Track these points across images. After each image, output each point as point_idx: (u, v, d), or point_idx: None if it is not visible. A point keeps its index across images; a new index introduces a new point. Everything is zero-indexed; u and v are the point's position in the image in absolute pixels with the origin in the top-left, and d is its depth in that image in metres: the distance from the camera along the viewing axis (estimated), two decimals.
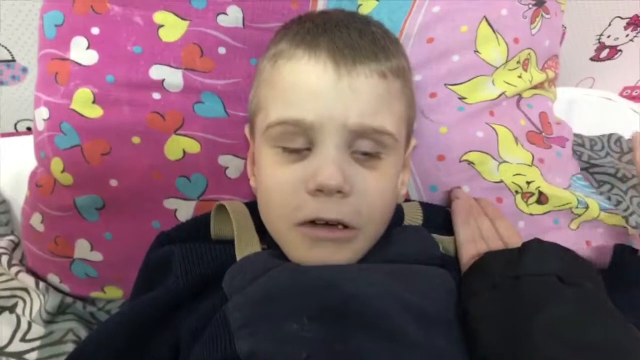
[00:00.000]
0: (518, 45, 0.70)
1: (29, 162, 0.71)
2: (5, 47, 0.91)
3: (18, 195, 0.76)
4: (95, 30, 0.63)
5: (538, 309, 0.44)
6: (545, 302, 0.45)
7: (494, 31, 0.69)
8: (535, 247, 0.50)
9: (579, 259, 0.48)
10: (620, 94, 1.28)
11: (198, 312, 0.53)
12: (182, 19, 0.63)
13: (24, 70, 0.94)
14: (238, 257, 0.54)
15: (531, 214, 0.68)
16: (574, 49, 1.14)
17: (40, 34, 0.66)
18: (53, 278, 0.68)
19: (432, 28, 0.68)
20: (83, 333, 0.66)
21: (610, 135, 0.91)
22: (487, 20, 0.68)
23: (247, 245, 0.55)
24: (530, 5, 0.71)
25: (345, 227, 0.51)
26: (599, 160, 0.85)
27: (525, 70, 0.72)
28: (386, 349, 0.46)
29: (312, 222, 0.50)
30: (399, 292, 0.49)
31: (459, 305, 0.52)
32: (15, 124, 1.01)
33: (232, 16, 0.63)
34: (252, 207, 0.58)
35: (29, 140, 0.71)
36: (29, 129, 1.02)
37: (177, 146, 0.63)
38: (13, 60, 0.93)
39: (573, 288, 0.45)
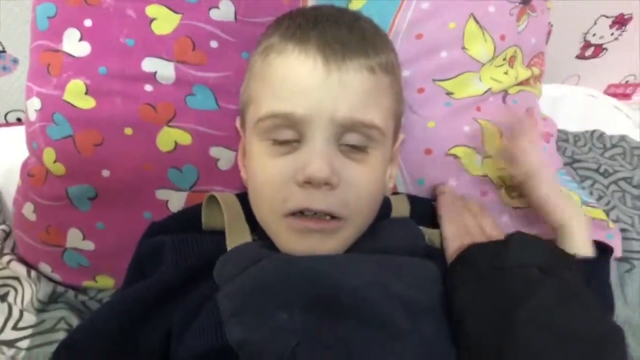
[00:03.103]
0: (504, 42, 0.72)
1: (20, 153, 0.71)
2: None
3: (9, 185, 0.77)
4: (87, 22, 0.63)
5: (521, 299, 0.46)
6: (527, 293, 0.46)
7: (481, 28, 0.70)
8: (518, 240, 0.51)
9: (559, 250, 0.50)
10: (605, 92, 1.31)
11: (189, 301, 0.54)
12: (175, 12, 0.63)
13: (15, 61, 0.94)
14: (229, 248, 0.55)
15: (515, 208, 0.70)
16: (560, 46, 1.16)
17: (32, 25, 0.66)
18: (45, 267, 0.69)
19: (421, 24, 0.69)
20: (74, 321, 0.66)
21: (593, 132, 0.94)
22: (474, 17, 0.70)
23: (237, 236, 0.56)
24: (517, 3, 0.73)
25: (333, 217, 0.52)
26: (582, 156, 0.87)
27: (512, 66, 0.74)
28: (374, 337, 0.47)
29: (301, 213, 0.51)
30: (386, 282, 0.50)
31: (445, 296, 0.53)
32: (6, 115, 1.01)
33: (224, 10, 0.64)
34: (243, 198, 0.59)
35: (19, 131, 0.72)
36: (19, 119, 1.02)
37: (169, 138, 0.64)
38: (4, 52, 0.93)
39: (553, 278, 0.47)
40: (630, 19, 1.16)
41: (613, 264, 0.72)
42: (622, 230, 0.75)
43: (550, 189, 0.61)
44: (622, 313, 0.66)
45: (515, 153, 0.62)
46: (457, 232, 0.60)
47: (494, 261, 0.50)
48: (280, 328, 0.47)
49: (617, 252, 0.73)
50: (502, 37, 0.72)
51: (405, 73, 0.67)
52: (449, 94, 0.69)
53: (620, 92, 1.34)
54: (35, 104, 0.65)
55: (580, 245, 0.56)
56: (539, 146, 0.69)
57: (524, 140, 0.62)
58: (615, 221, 0.77)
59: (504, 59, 0.72)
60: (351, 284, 0.49)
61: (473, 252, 0.54)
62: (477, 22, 0.70)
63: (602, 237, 0.71)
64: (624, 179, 0.84)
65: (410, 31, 0.69)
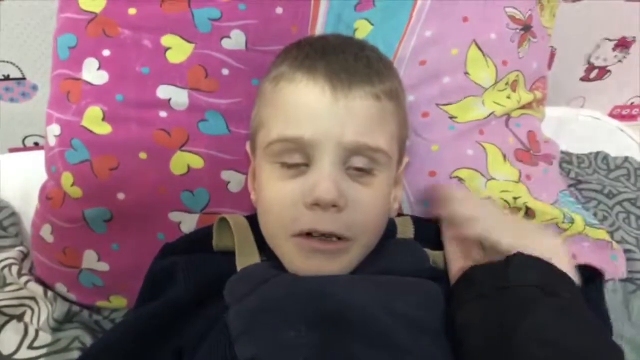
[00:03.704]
0: (506, 67, 0.74)
1: (37, 176, 0.73)
2: (16, 66, 0.94)
3: (26, 208, 0.79)
4: (106, 52, 0.66)
5: (521, 316, 0.47)
6: (527, 311, 0.47)
7: (483, 54, 0.72)
8: (518, 260, 0.52)
9: (558, 271, 0.51)
10: (610, 113, 1.32)
11: (200, 320, 0.55)
12: (188, 42, 0.66)
13: (34, 87, 0.97)
14: (238, 268, 0.56)
15: None
16: (565, 69, 1.18)
17: (53, 55, 0.69)
18: (61, 287, 0.71)
19: (424, 51, 0.71)
20: (88, 341, 0.67)
21: (597, 153, 0.95)
22: (476, 43, 0.72)
23: (247, 257, 0.58)
24: (518, 30, 0.75)
25: (339, 239, 0.53)
26: (586, 177, 0.88)
27: (514, 91, 0.76)
28: (378, 355, 0.48)
29: (308, 234, 0.53)
30: (390, 302, 0.51)
31: (447, 316, 0.54)
32: (24, 139, 1.04)
33: (235, 39, 0.66)
34: (252, 220, 0.60)
35: (36, 155, 0.74)
36: (36, 144, 1.05)
37: (182, 161, 0.66)
38: (23, 78, 0.96)
39: (552, 298, 0.48)
40: (633, 41, 1.18)
41: (618, 285, 0.72)
42: (627, 251, 0.75)
43: (512, 236, 0.56)
44: (627, 332, 0.66)
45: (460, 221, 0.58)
46: (460, 251, 0.61)
47: (495, 281, 0.51)
48: (288, 345, 0.48)
49: (622, 273, 0.73)
50: (504, 62, 0.73)
51: (410, 98, 0.69)
52: (452, 117, 0.71)
53: (626, 113, 1.36)
54: (54, 129, 0.68)
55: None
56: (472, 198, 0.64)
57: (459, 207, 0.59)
58: (620, 242, 0.77)
59: (507, 84, 0.74)
60: (356, 303, 0.50)
61: (475, 272, 0.55)
62: (479, 48, 0.72)
63: (606, 257, 0.72)
64: (629, 199, 0.85)
65: (414, 57, 0.71)
